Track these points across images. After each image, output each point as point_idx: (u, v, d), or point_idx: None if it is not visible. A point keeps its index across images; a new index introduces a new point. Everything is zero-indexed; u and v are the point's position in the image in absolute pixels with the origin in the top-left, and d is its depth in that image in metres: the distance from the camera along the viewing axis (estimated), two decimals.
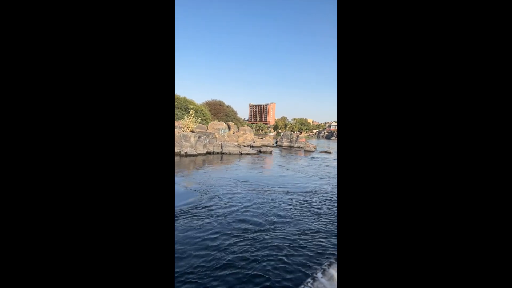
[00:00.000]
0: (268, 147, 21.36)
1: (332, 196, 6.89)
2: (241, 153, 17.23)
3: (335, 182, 8.71)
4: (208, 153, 16.38)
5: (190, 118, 21.47)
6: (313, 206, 5.89)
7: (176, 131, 16.08)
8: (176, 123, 22.14)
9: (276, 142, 28.18)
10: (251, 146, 22.65)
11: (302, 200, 6.32)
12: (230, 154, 16.86)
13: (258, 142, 24.22)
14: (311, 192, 7.26)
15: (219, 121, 27.40)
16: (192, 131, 20.77)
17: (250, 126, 37.93)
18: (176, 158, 13.61)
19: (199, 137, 15.93)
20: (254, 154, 17.44)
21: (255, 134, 34.10)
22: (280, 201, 6.21)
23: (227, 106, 46.99)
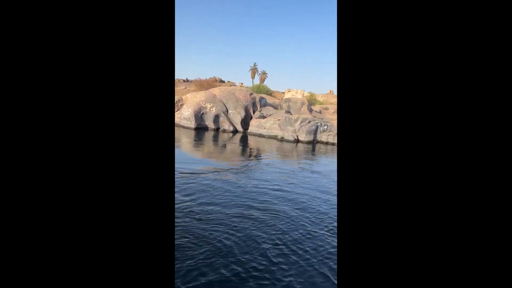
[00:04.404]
0: None
1: None
2: None
3: None
4: (318, 142, 14.02)
5: None
6: None
7: (280, 113, 15.33)
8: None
9: None
10: None
11: None
12: None
13: None
14: None
15: None
16: None
17: None
18: (272, 141, 13.53)
19: (309, 121, 14.07)
20: None
21: None
22: None
23: None
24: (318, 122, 14.24)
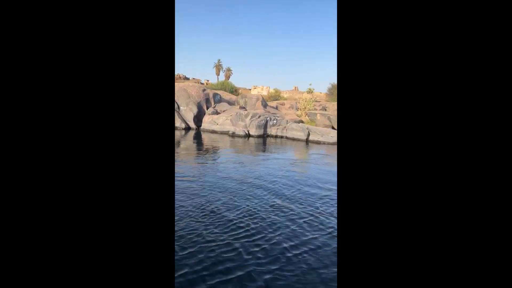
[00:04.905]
0: None
1: None
2: (308, 141, 13.08)
3: None
4: (269, 135, 14.15)
5: (306, 100, 18.92)
6: None
7: (234, 109, 15.33)
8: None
9: None
10: None
11: None
12: (294, 139, 13.41)
13: None
14: None
15: None
16: (307, 115, 18.39)
17: None
18: (225, 137, 13.41)
19: (259, 116, 14.14)
20: (329, 142, 12.55)
21: None
22: None
23: None
24: (267, 117, 14.35)
